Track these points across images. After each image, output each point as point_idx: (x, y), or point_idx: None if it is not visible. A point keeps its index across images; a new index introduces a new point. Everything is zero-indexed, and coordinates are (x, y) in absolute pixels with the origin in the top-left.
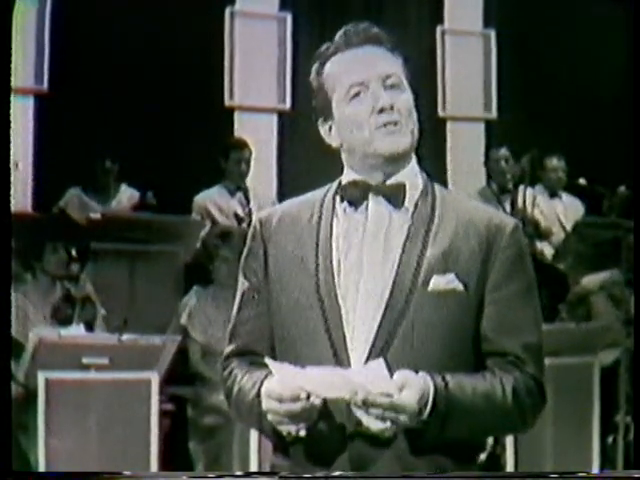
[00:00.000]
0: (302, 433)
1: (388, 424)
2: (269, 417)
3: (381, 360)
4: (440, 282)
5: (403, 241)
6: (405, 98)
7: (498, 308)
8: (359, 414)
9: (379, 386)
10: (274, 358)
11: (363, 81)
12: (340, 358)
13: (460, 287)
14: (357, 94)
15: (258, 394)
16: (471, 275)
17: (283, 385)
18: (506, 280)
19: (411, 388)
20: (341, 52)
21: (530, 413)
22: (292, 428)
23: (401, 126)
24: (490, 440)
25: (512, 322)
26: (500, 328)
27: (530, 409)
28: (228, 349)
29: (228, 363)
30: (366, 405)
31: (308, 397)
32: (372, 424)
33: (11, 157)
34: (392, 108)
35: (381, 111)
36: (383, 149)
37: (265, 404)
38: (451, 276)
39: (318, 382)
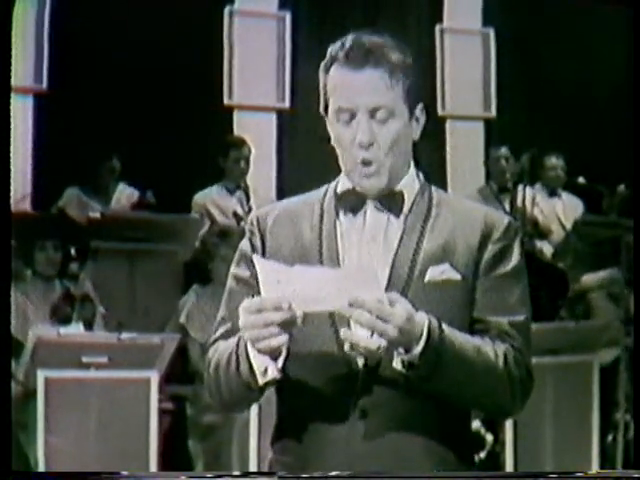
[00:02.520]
0: (277, 374)
1: (375, 337)
2: (246, 335)
3: (372, 268)
4: (436, 272)
5: (400, 237)
6: (391, 130)
7: (485, 292)
8: (344, 331)
9: (368, 292)
10: None
11: (351, 109)
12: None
13: (456, 277)
14: (344, 119)
15: (237, 343)
16: (466, 267)
17: (266, 290)
18: (493, 266)
19: (402, 304)
20: (339, 65)
21: (518, 388)
22: (272, 343)
23: (377, 165)
24: (489, 438)
25: (499, 303)
26: (488, 309)
27: (518, 382)
28: (216, 334)
29: (213, 343)
30: (352, 306)
31: (289, 307)
32: (360, 339)
33: (11, 156)
34: (372, 144)
35: (360, 146)
36: (359, 186)
37: (242, 320)
38: (446, 266)
39: (303, 286)
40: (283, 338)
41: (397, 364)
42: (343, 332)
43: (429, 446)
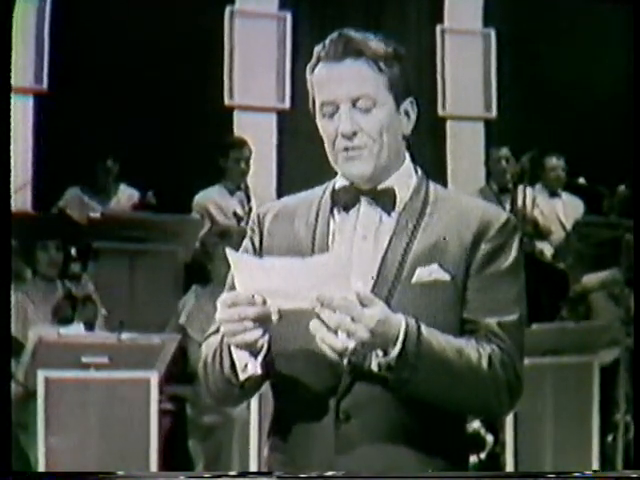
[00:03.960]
0: (257, 371)
1: (343, 338)
2: (223, 329)
3: (343, 259)
4: (424, 273)
5: (390, 236)
6: (376, 119)
7: (476, 291)
8: (314, 328)
9: (337, 285)
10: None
11: (333, 101)
12: None
13: (444, 277)
14: (328, 113)
15: (222, 338)
16: (457, 266)
17: (240, 283)
18: (485, 265)
19: (375, 305)
20: (322, 62)
21: (505, 389)
22: (245, 337)
23: (363, 152)
24: (489, 439)
25: (490, 302)
26: (478, 309)
27: (504, 384)
28: (212, 328)
29: (206, 339)
30: (320, 302)
31: (264, 302)
32: (325, 336)
33: (11, 157)
34: (355, 134)
35: (343, 136)
36: (345, 173)
37: (219, 314)
38: (434, 266)
39: (275, 278)
40: (257, 333)
41: (374, 366)
42: (312, 324)
43: (416, 452)
